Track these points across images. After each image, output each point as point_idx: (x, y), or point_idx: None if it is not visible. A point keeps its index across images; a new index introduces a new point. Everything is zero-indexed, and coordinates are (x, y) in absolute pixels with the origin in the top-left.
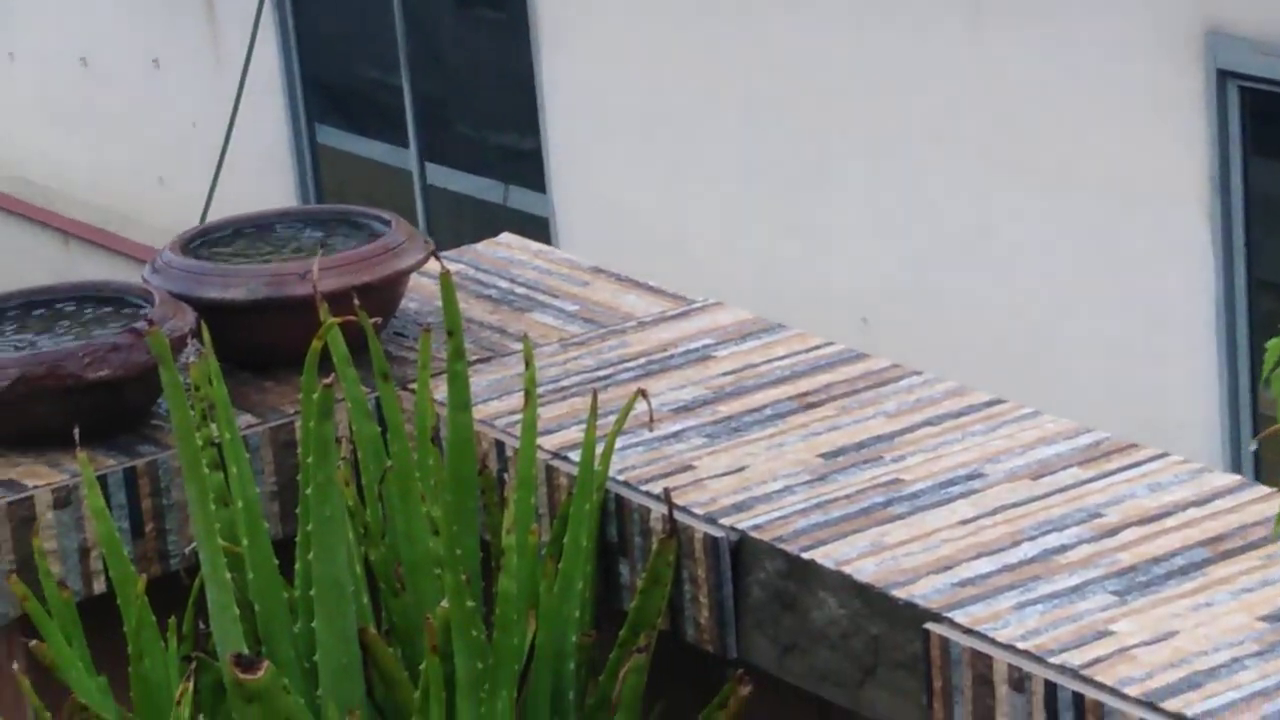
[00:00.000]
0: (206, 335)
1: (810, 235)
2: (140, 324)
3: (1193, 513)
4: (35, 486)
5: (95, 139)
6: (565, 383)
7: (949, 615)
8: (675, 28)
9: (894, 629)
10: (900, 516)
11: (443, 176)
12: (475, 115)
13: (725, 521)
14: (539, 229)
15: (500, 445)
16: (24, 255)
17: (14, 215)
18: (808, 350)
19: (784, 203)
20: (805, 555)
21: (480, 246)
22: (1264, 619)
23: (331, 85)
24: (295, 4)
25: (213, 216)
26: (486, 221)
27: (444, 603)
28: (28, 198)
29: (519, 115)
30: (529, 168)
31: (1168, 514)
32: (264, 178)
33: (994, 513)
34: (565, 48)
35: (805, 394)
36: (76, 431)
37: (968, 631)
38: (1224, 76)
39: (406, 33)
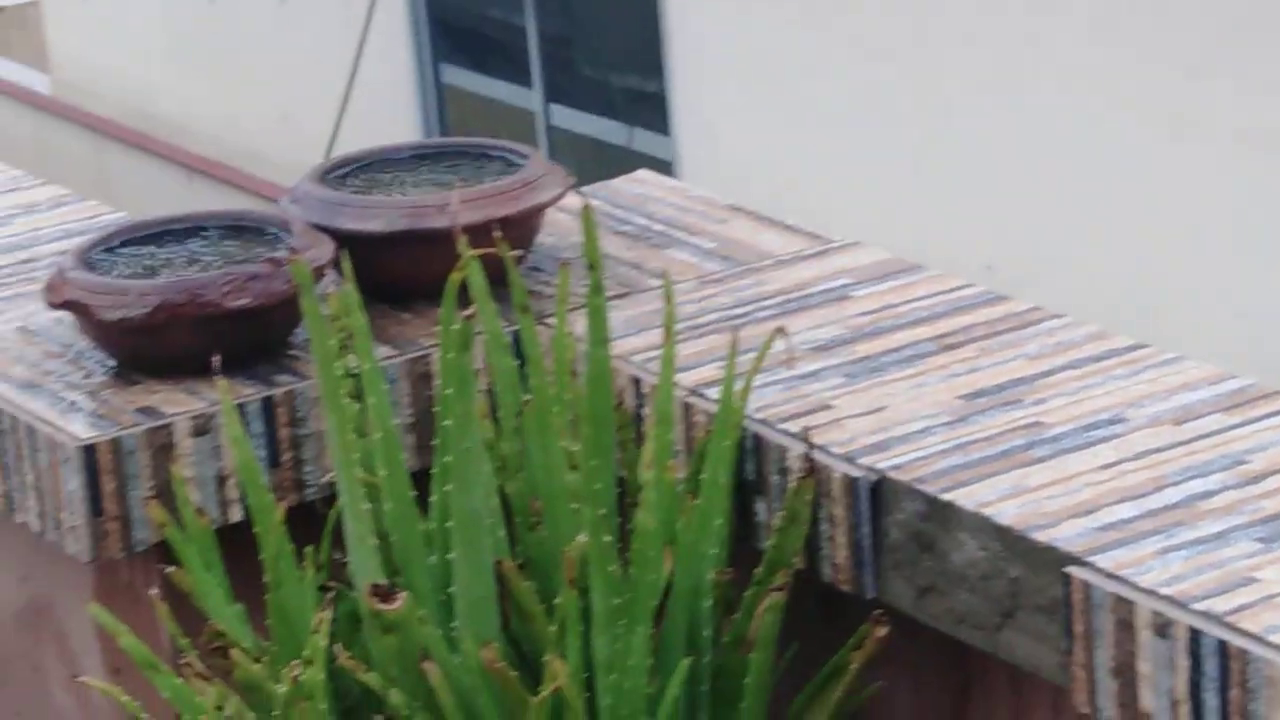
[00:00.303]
0: (346, 265)
1: (937, 181)
2: (280, 253)
3: None
4: (174, 414)
5: (221, 75)
6: (702, 320)
7: (1091, 559)
8: None
9: (1034, 572)
10: (1041, 460)
11: (566, 117)
12: (600, 56)
13: (864, 461)
14: (662, 172)
15: (637, 381)
16: (149, 190)
17: (139, 149)
18: (948, 291)
19: (911, 147)
20: (945, 497)
21: (617, 183)
22: None
23: (457, 24)
24: None
25: (336, 154)
26: (609, 163)
27: (581, 537)
28: (153, 132)
29: (644, 57)
30: (653, 110)
31: None
32: (388, 116)
33: (1137, 457)
34: None
35: (945, 335)
36: (217, 359)
37: (1110, 576)
38: None
39: None
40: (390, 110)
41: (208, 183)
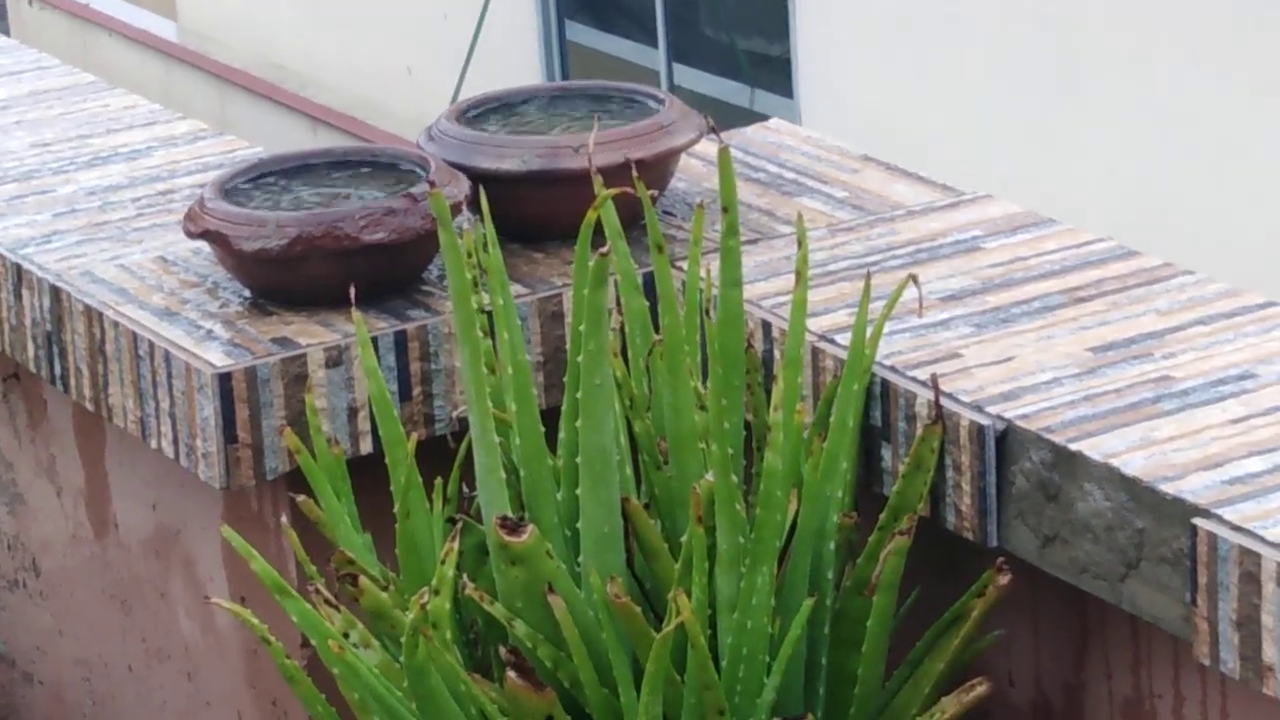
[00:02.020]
0: (482, 203)
1: (1060, 147)
2: (418, 188)
3: None
4: (308, 345)
5: (348, 26)
6: (833, 267)
7: (1218, 512)
8: None
9: (1160, 524)
10: (1169, 413)
11: (690, 78)
12: (725, 17)
13: (992, 410)
14: None
15: (766, 325)
16: (274, 139)
17: (266, 99)
18: (1078, 245)
19: (1035, 113)
20: (1072, 446)
21: (750, 130)
22: None
23: None
24: None
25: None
26: (731, 124)
27: (708, 475)
28: (279, 82)
29: (769, 19)
30: (776, 72)
31: None
32: (512, 72)
33: (1266, 413)
34: None
35: (1075, 289)
36: (353, 291)
37: (1236, 528)
38: None
39: None
40: (514, 66)
41: (331, 133)
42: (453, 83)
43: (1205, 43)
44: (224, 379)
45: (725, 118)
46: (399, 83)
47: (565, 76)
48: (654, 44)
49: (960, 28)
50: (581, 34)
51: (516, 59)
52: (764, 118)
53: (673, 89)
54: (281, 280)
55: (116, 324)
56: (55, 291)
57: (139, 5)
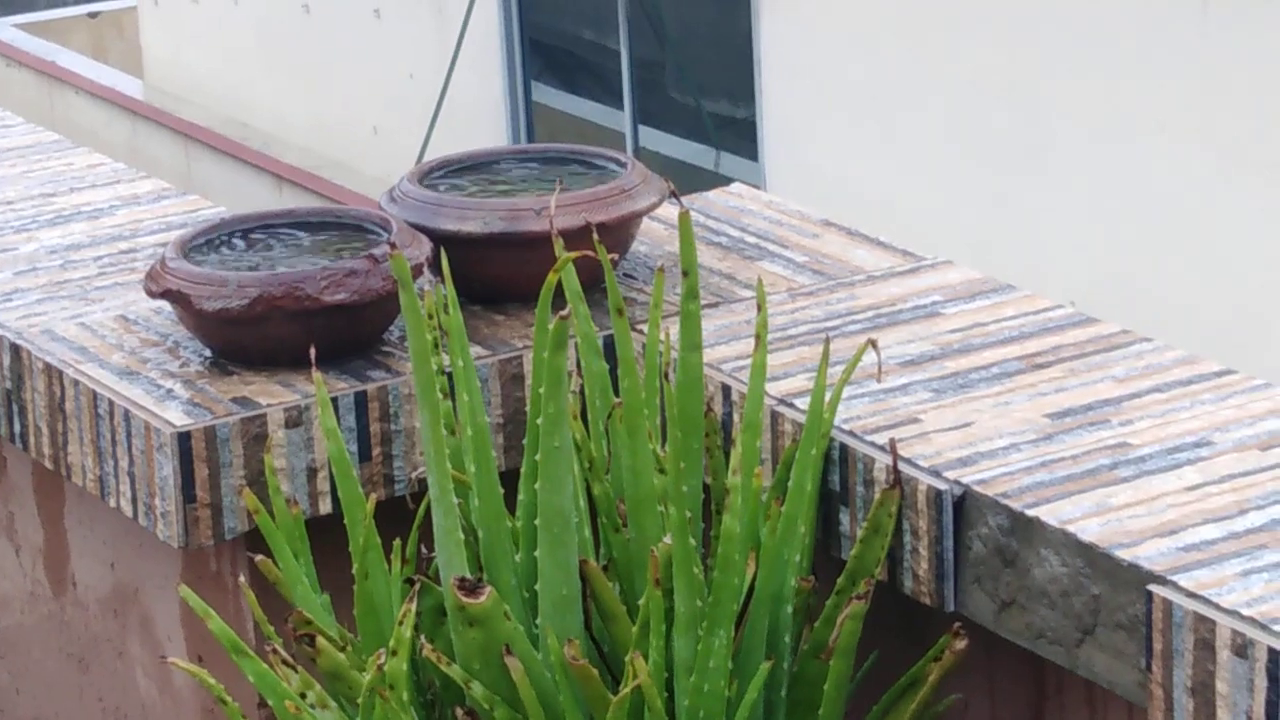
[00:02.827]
0: (444, 264)
1: (1023, 215)
2: (379, 250)
3: None
4: (268, 405)
5: (313, 86)
6: (793, 331)
7: (1173, 579)
8: (898, 1)
9: (1116, 590)
10: (1126, 479)
11: (655, 140)
12: (691, 81)
13: (949, 475)
14: None
15: (726, 389)
16: (239, 197)
17: (231, 158)
18: (1037, 312)
19: (999, 180)
20: (1029, 512)
21: (712, 195)
22: None
23: (549, 44)
24: None
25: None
26: (697, 187)
27: (667, 538)
28: (245, 140)
29: (735, 82)
30: (742, 135)
31: None
32: (478, 132)
33: (1221, 480)
34: (784, 15)
35: (1033, 355)
36: (313, 352)
37: (1191, 595)
38: None
39: None
40: (480, 127)
41: (297, 192)
42: (418, 143)
43: (1169, 113)
44: (183, 438)
45: (690, 180)
46: (365, 142)
47: (531, 137)
48: (620, 106)
49: (926, 95)
50: (548, 95)
51: (482, 120)
52: (729, 181)
53: (638, 151)
54: (242, 340)
55: (76, 382)
56: (15, 349)
57: (106, 62)
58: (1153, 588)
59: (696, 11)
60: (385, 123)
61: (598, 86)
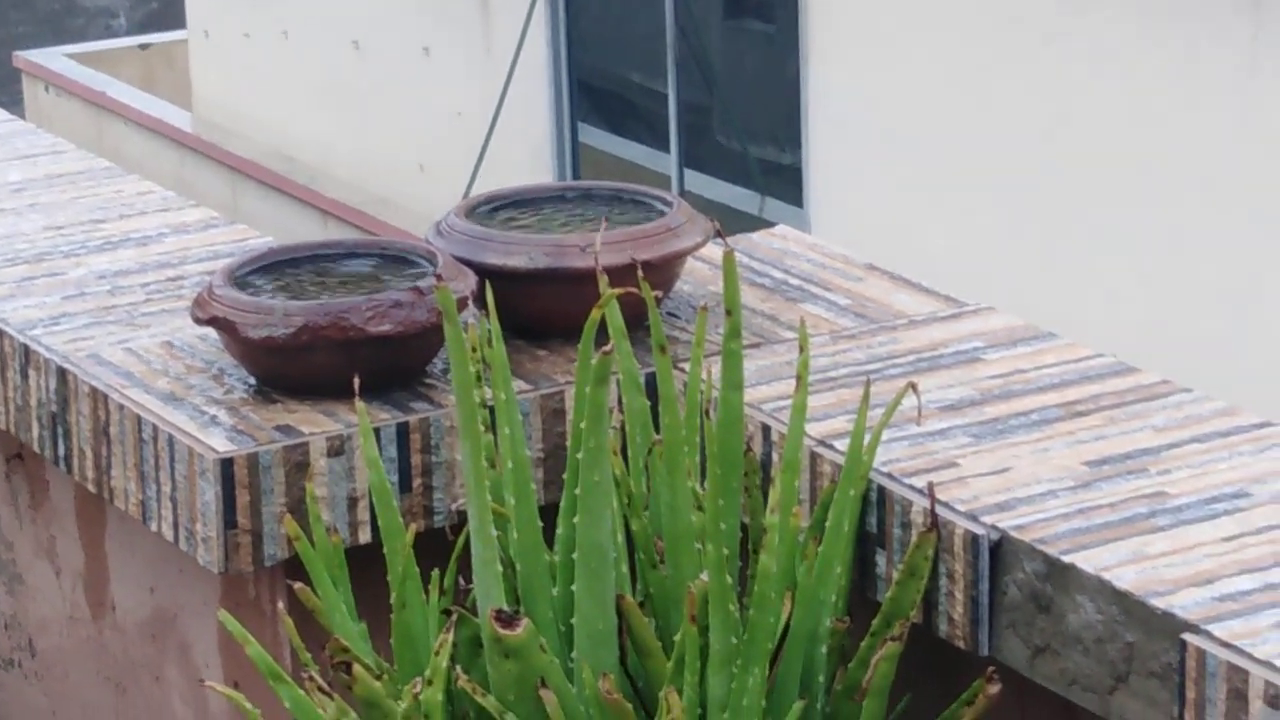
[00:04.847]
0: (489, 298)
1: (1065, 270)
2: (424, 282)
3: None
4: (311, 434)
5: (361, 122)
6: (834, 374)
7: (1207, 628)
8: (945, 50)
9: (1150, 638)
10: (1163, 528)
11: (700, 183)
12: (737, 125)
13: (986, 520)
14: None
15: (766, 429)
16: (284, 231)
17: (278, 191)
18: (1077, 360)
19: (1042, 233)
20: (1065, 558)
21: (756, 236)
22: None
23: (597, 85)
24: (568, 2)
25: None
26: (741, 231)
27: (704, 575)
28: (291, 175)
29: (781, 128)
30: (788, 180)
31: None
32: (523, 172)
33: (1259, 532)
34: (833, 63)
35: (1073, 402)
36: (356, 382)
37: (1225, 645)
38: None
39: (676, 39)
40: (526, 166)
41: (342, 227)
42: (464, 180)
43: (1212, 165)
44: (226, 464)
45: (735, 225)
46: (410, 179)
47: (577, 178)
48: (666, 149)
49: (970, 143)
50: (594, 137)
51: (529, 159)
52: (773, 225)
53: (684, 194)
54: (286, 368)
55: (122, 407)
56: (62, 373)
57: (155, 95)
58: (1187, 637)
59: (745, 57)
60: (431, 160)
61: (644, 129)
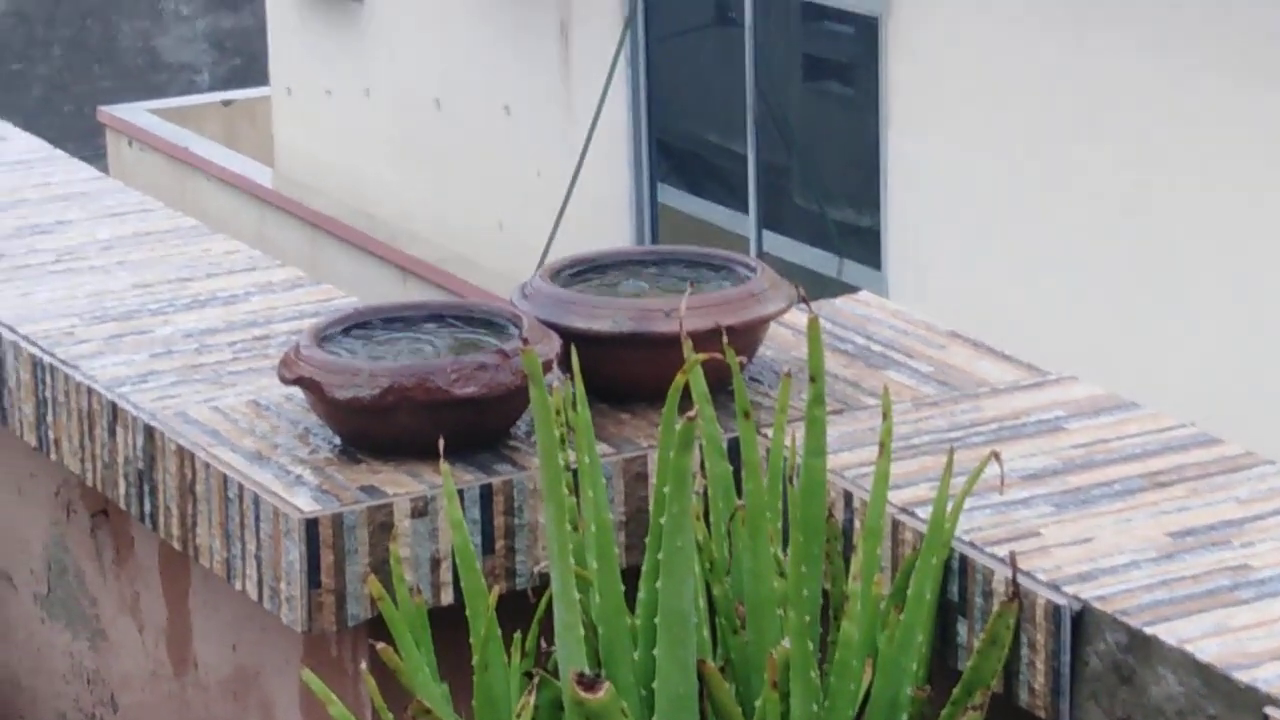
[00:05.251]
0: (574, 362)
1: (1148, 332)
2: (510, 345)
3: None
4: (395, 494)
5: (441, 180)
6: (916, 441)
7: None
8: (1025, 115)
9: (1233, 711)
10: (1246, 601)
11: (779, 245)
12: (817, 187)
13: (1069, 590)
14: None
15: (848, 495)
16: (364, 288)
17: (357, 248)
18: (1161, 430)
19: (1125, 297)
20: (1148, 630)
21: (839, 302)
22: None
23: (677, 146)
24: (649, 63)
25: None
26: (819, 293)
27: (785, 642)
28: (371, 231)
29: (860, 190)
30: (866, 243)
31: None
32: (602, 231)
33: None
34: (913, 127)
35: (1156, 473)
36: (441, 444)
37: None
38: None
39: (756, 101)
40: (605, 225)
41: (421, 284)
42: (543, 239)
43: None
44: (311, 524)
45: (813, 286)
46: (490, 237)
47: (655, 238)
48: (745, 210)
49: (1050, 208)
50: (673, 197)
51: (607, 218)
52: (852, 287)
53: (762, 255)
54: (372, 429)
55: (208, 465)
56: (149, 431)
57: (237, 151)
58: (1269, 710)
59: (824, 119)
60: (511, 219)
61: (723, 190)
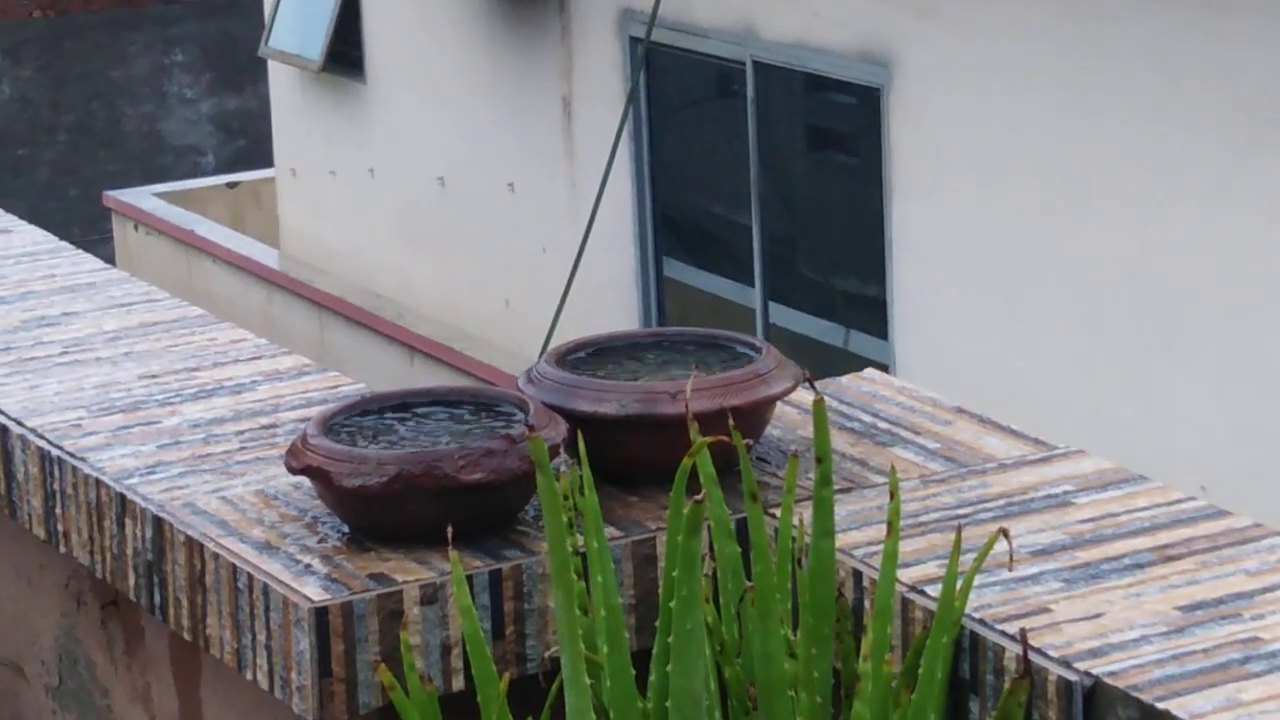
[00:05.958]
0: (580, 446)
1: (1152, 398)
2: (516, 430)
3: None
4: (404, 582)
5: (447, 258)
6: (924, 518)
7: None
8: (1028, 184)
9: None
10: (1257, 674)
11: (785, 316)
12: (822, 259)
13: (1080, 666)
14: None
15: (858, 574)
16: (371, 368)
17: (364, 327)
18: (1169, 503)
19: (1128, 363)
20: (1160, 705)
21: (845, 380)
22: None
23: (681, 220)
24: (652, 138)
25: (557, 342)
26: (826, 364)
27: None
28: (378, 311)
29: (866, 261)
30: (872, 313)
31: None
32: (609, 306)
33: None
34: (917, 197)
35: (1165, 546)
36: (450, 530)
37: None
38: None
39: (759, 174)
40: (611, 301)
41: (428, 363)
42: (549, 315)
43: None
44: (321, 614)
45: (819, 358)
46: (497, 315)
47: (662, 313)
48: (750, 283)
49: (1055, 278)
50: (679, 271)
51: (614, 294)
52: (858, 358)
53: (768, 328)
54: (380, 517)
55: (217, 556)
56: (158, 522)
57: (243, 232)
58: None
59: (829, 190)
60: (517, 296)
61: (729, 263)
